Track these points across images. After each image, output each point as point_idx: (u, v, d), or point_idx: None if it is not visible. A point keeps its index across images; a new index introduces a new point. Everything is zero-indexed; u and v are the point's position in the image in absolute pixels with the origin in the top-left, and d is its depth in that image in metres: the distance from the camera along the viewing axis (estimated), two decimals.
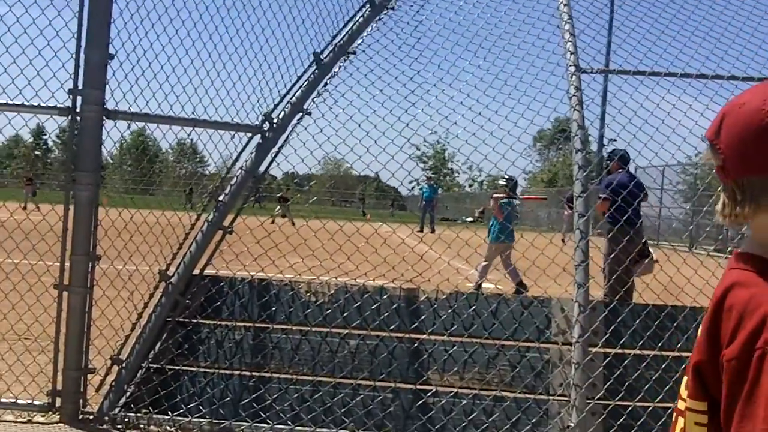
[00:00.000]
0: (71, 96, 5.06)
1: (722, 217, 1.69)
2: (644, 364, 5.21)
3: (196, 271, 5.77)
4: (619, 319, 5.30)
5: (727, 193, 1.64)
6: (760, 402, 1.38)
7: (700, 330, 1.71)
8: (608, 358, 5.24)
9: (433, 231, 28.98)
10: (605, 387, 5.13)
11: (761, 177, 1.54)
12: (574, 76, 5.81)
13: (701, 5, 6.32)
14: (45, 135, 79.66)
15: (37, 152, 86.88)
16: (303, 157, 6.06)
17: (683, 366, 5.21)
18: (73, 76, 5.06)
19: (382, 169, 6.03)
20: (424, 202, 34.14)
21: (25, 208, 21.57)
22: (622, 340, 5.24)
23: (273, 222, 24.03)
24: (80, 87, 5.03)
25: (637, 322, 5.27)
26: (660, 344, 5.23)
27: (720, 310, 1.64)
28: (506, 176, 12.69)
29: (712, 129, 1.68)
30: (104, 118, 5.15)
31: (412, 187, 46.15)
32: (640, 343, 5.24)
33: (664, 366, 5.18)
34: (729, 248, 23.32)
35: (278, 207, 31.83)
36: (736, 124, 1.60)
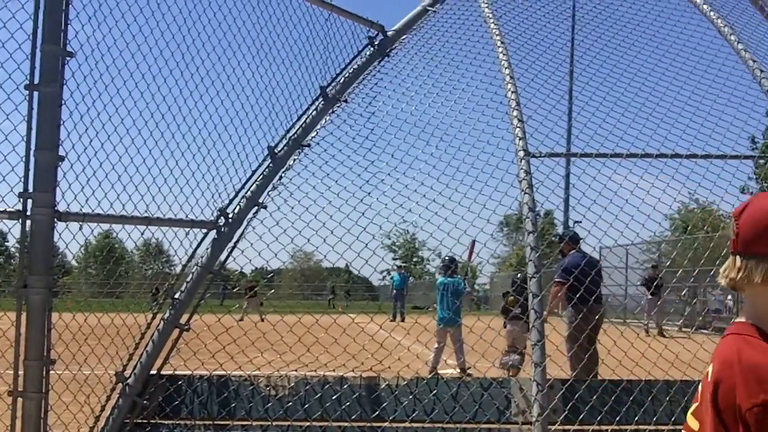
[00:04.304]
0: (21, 199, 5.06)
1: (722, 279, 2.12)
2: None
3: (153, 371, 5.71)
4: (577, 395, 5.32)
5: (732, 261, 2.06)
6: None
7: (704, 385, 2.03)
8: None
9: (403, 319, 28.92)
10: None
11: (759, 256, 1.97)
12: (523, 161, 5.93)
13: (657, 88, 6.53)
14: (8, 242, 78.65)
15: None
16: (259, 251, 6.05)
17: None
18: (23, 180, 5.07)
19: (353, 260, 6.07)
20: (394, 291, 34.13)
21: None
22: (581, 417, 5.27)
23: (242, 320, 23.71)
24: (30, 190, 5.04)
25: (594, 397, 5.30)
26: (618, 418, 5.26)
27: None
28: (447, 256, 12.94)
29: (739, 208, 2.08)
30: (56, 220, 5.15)
31: (383, 277, 46.18)
32: (598, 419, 5.27)
33: None
34: (696, 323, 23.41)
35: (245, 303, 31.35)
36: (756, 211, 2.03)
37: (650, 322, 24.34)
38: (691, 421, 2.03)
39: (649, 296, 23.89)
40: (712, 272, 7.87)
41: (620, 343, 5.88)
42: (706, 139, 6.17)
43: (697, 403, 2.03)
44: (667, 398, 5.37)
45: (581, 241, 9.52)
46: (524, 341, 10.80)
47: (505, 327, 12.16)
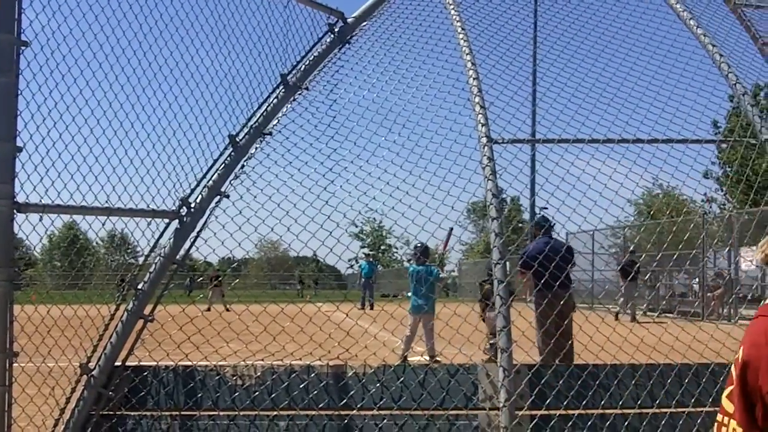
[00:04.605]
0: None
1: (759, 253, 2.17)
2: (570, 424, 5.26)
3: (118, 362, 5.66)
4: (543, 380, 5.35)
5: None
6: None
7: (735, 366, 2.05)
8: (534, 420, 5.27)
9: (372, 307, 28.98)
10: None
11: None
12: (486, 147, 5.93)
13: (618, 73, 6.56)
14: None
15: None
16: (223, 241, 6.01)
17: (607, 423, 5.26)
18: None
19: (318, 248, 6.04)
20: (363, 279, 34.16)
21: None
22: (548, 402, 5.30)
23: (209, 309, 23.71)
24: None
25: (561, 382, 5.33)
26: (584, 403, 5.30)
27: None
28: (418, 244, 12.95)
29: None
30: (15, 211, 5.08)
31: (351, 265, 46.19)
32: (565, 403, 5.30)
33: (589, 424, 5.24)
34: (660, 306, 23.61)
35: (210, 293, 31.32)
36: None
37: (625, 308, 24.46)
38: (726, 404, 2.06)
39: (624, 282, 23.93)
40: (675, 256, 7.95)
41: (585, 327, 5.92)
42: (667, 123, 6.22)
43: (731, 386, 2.05)
44: (633, 382, 5.41)
45: (550, 225, 9.55)
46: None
47: (482, 317, 12.04)
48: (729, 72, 6.25)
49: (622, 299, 24.53)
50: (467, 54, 6.53)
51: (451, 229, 11.03)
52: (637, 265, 22.24)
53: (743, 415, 1.96)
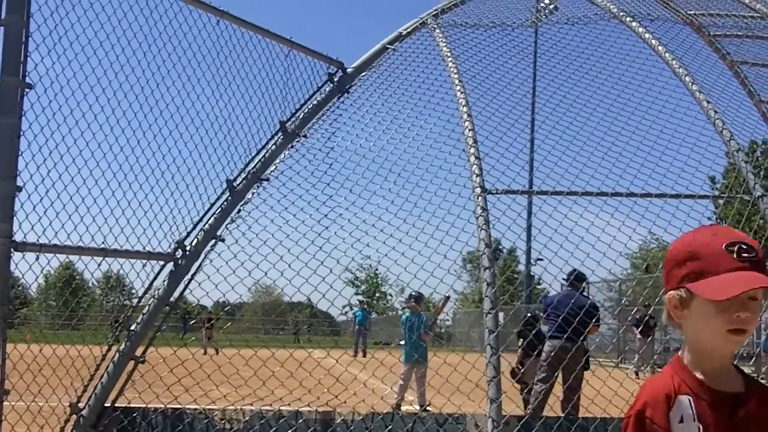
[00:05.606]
0: None
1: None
2: None
3: (108, 403, 5.67)
4: None
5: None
6: None
7: None
8: None
9: (364, 354, 28.89)
10: None
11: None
12: (480, 197, 5.99)
13: (612, 128, 6.64)
14: None
15: None
16: (217, 284, 6.04)
17: None
18: None
19: (311, 293, 6.07)
20: (357, 327, 34.02)
21: None
22: None
23: (205, 353, 23.58)
24: None
25: None
26: None
27: None
28: (413, 292, 12.89)
29: None
30: (12, 250, 5.12)
31: (345, 312, 45.97)
32: None
33: None
34: (651, 361, 23.50)
35: (204, 337, 31.10)
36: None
37: (642, 363, 24.13)
38: None
39: (639, 337, 23.62)
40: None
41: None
42: (661, 178, 6.28)
43: None
44: None
45: (567, 278, 9.48)
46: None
47: (521, 365, 11.44)
48: (723, 128, 6.32)
49: (637, 356, 24.27)
50: (464, 105, 6.62)
51: (448, 297, 11.06)
52: (654, 320, 22.03)
53: None
